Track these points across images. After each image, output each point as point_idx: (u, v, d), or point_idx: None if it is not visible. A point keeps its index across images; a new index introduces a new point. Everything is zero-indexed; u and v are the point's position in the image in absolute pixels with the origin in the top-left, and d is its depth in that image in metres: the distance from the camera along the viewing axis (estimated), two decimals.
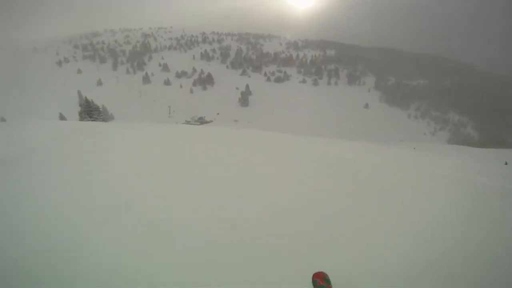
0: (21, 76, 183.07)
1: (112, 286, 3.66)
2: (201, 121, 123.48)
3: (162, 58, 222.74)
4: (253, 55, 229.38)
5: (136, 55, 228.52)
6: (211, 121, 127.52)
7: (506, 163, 30.37)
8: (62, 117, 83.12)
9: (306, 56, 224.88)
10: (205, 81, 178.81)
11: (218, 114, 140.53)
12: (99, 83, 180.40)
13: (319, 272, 3.82)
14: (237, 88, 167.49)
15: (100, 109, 53.63)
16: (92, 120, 45.38)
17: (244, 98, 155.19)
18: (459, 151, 43.42)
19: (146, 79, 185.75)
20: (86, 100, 50.74)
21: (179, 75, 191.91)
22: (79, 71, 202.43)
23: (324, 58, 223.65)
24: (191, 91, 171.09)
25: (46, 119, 40.74)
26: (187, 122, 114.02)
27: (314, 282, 3.71)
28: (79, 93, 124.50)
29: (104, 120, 52.74)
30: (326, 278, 3.74)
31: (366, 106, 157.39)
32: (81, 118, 48.23)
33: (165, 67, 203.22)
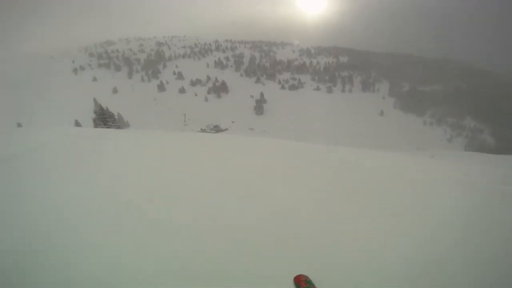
0: (37, 83, 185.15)
1: (111, 286, 3.75)
2: (217, 129, 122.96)
3: (177, 66, 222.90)
4: (267, 63, 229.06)
5: (151, 63, 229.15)
6: (226, 129, 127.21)
7: None
8: (77, 124, 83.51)
9: (319, 63, 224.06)
10: (220, 89, 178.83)
11: (233, 122, 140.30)
12: (115, 91, 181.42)
13: (299, 275, 3.90)
14: (251, 96, 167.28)
15: (115, 117, 53.54)
16: (106, 127, 45.64)
17: (259, 106, 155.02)
18: (477, 158, 42.94)
19: (161, 87, 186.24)
20: (101, 107, 50.95)
21: (194, 83, 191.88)
22: (95, 79, 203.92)
23: (337, 65, 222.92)
24: (206, 99, 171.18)
25: (61, 125, 41.09)
26: (202, 130, 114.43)
27: (297, 285, 3.79)
28: (94, 100, 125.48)
29: (119, 127, 52.33)
30: (307, 280, 3.82)
31: (381, 113, 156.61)
32: (96, 125, 48.08)
33: (179, 75, 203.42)
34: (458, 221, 6.24)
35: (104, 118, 49.01)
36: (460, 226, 5.98)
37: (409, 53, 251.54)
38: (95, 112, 51.96)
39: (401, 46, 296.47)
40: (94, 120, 49.82)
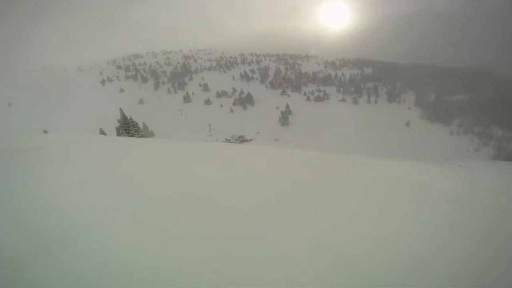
0: (66, 93, 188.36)
1: (110, 285, 3.75)
2: (241, 139, 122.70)
3: (202, 78, 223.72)
4: (292, 75, 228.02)
5: (177, 75, 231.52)
6: (251, 140, 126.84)
7: None
8: (102, 132, 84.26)
9: (344, 75, 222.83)
10: (245, 100, 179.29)
11: (258, 133, 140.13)
12: (141, 101, 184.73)
13: None
14: (277, 108, 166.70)
15: (139, 126, 53.93)
16: (129, 136, 46.26)
17: (284, 118, 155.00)
18: (504, 168, 41.85)
19: (187, 99, 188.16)
20: (123, 116, 51.19)
21: (220, 95, 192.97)
22: (122, 90, 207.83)
23: (362, 76, 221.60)
24: (232, 111, 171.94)
25: (85, 133, 41.88)
26: (227, 141, 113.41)
27: None
28: (120, 110, 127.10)
29: (142, 136, 52.68)
30: None
31: (407, 123, 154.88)
32: (119, 134, 48.45)
33: (205, 87, 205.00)
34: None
35: (127, 127, 49.40)
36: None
37: (433, 64, 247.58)
38: (118, 121, 52.35)
39: (425, 57, 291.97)
40: (117, 129, 50.32)
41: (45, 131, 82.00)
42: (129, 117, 53.26)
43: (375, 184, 9.45)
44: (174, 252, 4.43)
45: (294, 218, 5.94)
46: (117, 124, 51.65)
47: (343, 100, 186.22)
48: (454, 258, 4.79)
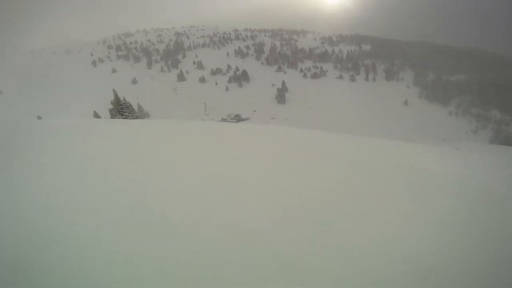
0: (57, 76, 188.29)
1: (110, 285, 3.65)
2: (238, 118, 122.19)
3: (196, 56, 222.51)
4: (288, 51, 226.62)
5: (170, 53, 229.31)
6: (247, 119, 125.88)
7: None
8: (96, 115, 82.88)
9: (341, 51, 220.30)
10: (241, 78, 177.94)
11: (254, 111, 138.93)
12: (134, 81, 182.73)
13: None
14: (273, 85, 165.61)
15: (133, 107, 51.98)
16: (123, 118, 44.49)
17: (281, 95, 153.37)
18: (503, 152, 40.56)
19: (181, 77, 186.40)
20: (116, 98, 49.42)
21: (214, 72, 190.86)
22: (114, 71, 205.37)
23: (360, 53, 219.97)
24: (227, 89, 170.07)
25: (79, 117, 41.34)
26: (223, 120, 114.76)
27: None
28: (113, 91, 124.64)
29: (137, 117, 51.17)
30: None
31: (406, 102, 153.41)
32: (112, 116, 47.24)
33: (199, 65, 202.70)
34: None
35: (121, 109, 48.16)
36: None
37: (433, 42, 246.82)
38: (112, 103, 50.65)
39: (425, 35, 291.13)
40: (111, 111, 48.99)
41: (39, 117, 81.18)
42: (122, 99, 51.56)
43: (376, 170, 9.05)
44: (174, 252, 4.27)
45: (292, 213, 5.60)
46: (111, 106, 50.21)
47: (340, 77, 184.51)
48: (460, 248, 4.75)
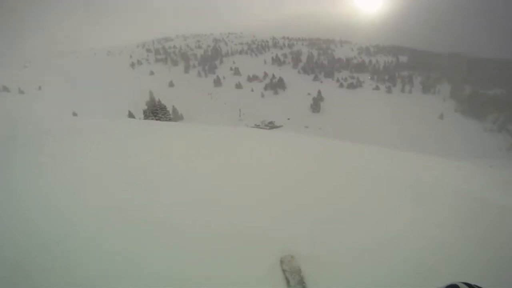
0: (96, 76, 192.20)
1: (110, 285, 3.79)
2: (271, 125, 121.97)
3: (233, 62, 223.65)
4: (325, 60, 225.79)
5: (207, 59, 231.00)
6: (281, 126, 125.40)
7: None
8: (130, 115, 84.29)
9: (378, 62, 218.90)
10: (277, 85, 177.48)
11: (288, 119, 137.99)
12: (171, 84, 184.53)
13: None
14: (308, 94, 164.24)
15: (167, 109, 52.95)
16: (156, 119, 45.84)
17: (316, 104, 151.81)
18: None
19: (217, 82, 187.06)
20: (152, 99, 50.57)
21: (251, 79, 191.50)
22: (152, 73, 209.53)
23: (397, 65, 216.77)
24: (262, 95, 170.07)
25: (114, 116, 42.32)
26: (257, 126, 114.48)
27: None
28: (150, 92, 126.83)
29: (170, 120, 52.32)
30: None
31: (441, 116, 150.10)
32: (146, 117, 48.53)
33: (236, 71, 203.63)
34: None
35: (155, 110, 49.57)
36: None
37: (471, 54, 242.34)
38: (146, 104, 51.65)
39: (463, 47, 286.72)
40: (145, 112, 50.25)
41: (74, 114, 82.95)
42: (157, 100, 52.55)
43: (407, 185, 9.07)
44: (175, 252, 4.47)
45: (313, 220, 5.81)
46: (145, 107, 51.23)
47: (377, 88, 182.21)
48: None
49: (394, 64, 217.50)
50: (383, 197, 7.46)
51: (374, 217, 6.15)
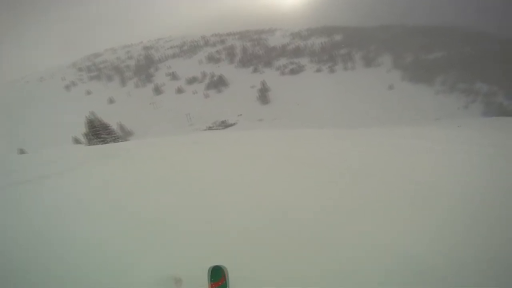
0: (32, 106, 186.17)
1: (110, 285, 3.77)
2: (224, 125, 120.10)
3: (169, 67, 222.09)
4: (260, 51, 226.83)
5: (142, 68, 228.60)
6: (234, 124, 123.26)
7: None
8: (76, 141, 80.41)
9: (314, 44, 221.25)
10: (218, 83, 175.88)
11: (240, 115, 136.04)
12: (110, 101, 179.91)
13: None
14: (252, 87, 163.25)
15: (111, 127, 48.32)
16: (101, 141, 41.81)
17: (263, 95, 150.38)
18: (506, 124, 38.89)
19: (157, 90, 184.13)
20: (89, 121, 45.67)
21: (190, 81, 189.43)
22: (88, 92, 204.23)
23: (333, 44, 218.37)
24: (206, 96, 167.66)
25: (61, 145, 39.10)
26: (209, 128, 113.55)
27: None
28: (92, 113, 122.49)
29: (116, 139, 47.13)
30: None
31: (390, 87, 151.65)
32: (89, 141, 44.10)
33: (173, 76, 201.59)
34: None
35: (96, 132, 44.17)
36: None
37: (404, 24, 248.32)
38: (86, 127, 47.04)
39: (394, 18, 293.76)
40: (86, 135, 46.29)
41: (21, 151, 78.70)
42: (97, 120, 48.07)
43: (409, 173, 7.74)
44: (175, 253, 4.42)
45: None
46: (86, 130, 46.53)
47: (319, 70, 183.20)
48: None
49: (330, 44, 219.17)
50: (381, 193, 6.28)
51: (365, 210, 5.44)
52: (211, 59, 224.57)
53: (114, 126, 60.00)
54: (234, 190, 6.75)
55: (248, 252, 4.18)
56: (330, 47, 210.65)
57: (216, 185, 7.19)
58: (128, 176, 9.35)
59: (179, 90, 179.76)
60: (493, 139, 14.85)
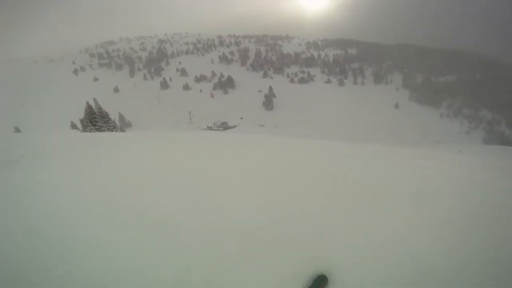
0: (37, 86, 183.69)
1: (109, 285, 3.77)
2: (224, 126, 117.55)
3: (180, 63, 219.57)
4: (273, 57, 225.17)
5: (153, 61, 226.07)
6: (234, 126, 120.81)
7: None
8: (73, 126, 79.09)
9: (328, 55, 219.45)
10: (226, 84, 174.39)
11: (241, 118, 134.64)
12: (116, 90, 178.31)
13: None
14: (260, 91, 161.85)
15: (109, 116, 46.57)
16: (96, 129, 39.86)
17: (269, 101, 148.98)
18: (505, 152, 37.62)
19: (164, 85, 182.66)
20: (89, 107, 44.00)
21: (198, 79, 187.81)
22: (96, 79, 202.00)
23: (347, 57, 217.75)
24: (212, 96, 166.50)
25: (58, 129, 37.79)
26: (209, 128, 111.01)
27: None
28: (95, 100, 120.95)
29: (113, 128, 45.49)
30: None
31: (396, 106, 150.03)
32: (84, 127, 42.12)
33: (183, 72, 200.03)
34: None
35: (93, 119, 42.19)
36: None
37: (418, 44, 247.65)
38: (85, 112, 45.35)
39: (412, 38, 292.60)
40: (82, 121, 44.10)
41: (17, 130, 77.83)
42: (98, 107, 46.44)
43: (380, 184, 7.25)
44: (175, 253, 4.38)
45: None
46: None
47: (329, 81, 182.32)
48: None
49: (343, 57, 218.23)
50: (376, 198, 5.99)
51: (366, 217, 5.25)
52: (223, 59, 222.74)
53: (114, 115, 58.61)
54: (227, 191, 6.33)
55: (248, 252, 4.22)
56: (343, 60, 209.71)
57: (203, 184, 6.71)
58: (106, 169, 8.34)
59: (186, 87, 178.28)
60: (495, 165, 14.20)
